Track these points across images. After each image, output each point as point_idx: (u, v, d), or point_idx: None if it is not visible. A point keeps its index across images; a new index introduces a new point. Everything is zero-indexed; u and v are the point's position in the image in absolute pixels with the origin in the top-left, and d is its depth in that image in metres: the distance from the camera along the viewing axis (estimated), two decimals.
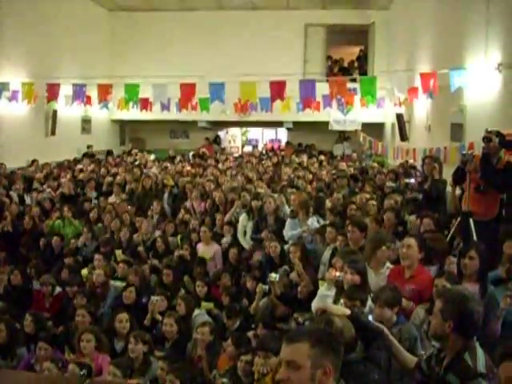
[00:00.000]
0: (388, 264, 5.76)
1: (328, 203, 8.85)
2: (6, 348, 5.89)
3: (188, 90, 9.27)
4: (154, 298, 6.74)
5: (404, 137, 14.64)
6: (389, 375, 3.59)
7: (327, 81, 9.32)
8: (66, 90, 10.47)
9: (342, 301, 4.58)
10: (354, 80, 12.88)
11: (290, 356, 2.46)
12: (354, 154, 18.03)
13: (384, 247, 5.74)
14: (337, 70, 19.99)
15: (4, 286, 7.88)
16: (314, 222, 8.34)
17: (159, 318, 6.61)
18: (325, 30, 19.22)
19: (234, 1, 18.46)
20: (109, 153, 18.63)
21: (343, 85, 9.03)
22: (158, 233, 9.41)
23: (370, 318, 3.73)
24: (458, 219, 6.81)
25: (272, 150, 21.56)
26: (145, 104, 11.65)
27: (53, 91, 9.65)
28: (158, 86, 9.60)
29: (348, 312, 3.56)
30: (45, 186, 11.54)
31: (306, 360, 2.42)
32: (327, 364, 2.43)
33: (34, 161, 14.09)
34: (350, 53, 21.04)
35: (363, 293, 4.71)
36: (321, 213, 8.44)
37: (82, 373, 4.71)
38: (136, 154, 16.73)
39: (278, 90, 8.64)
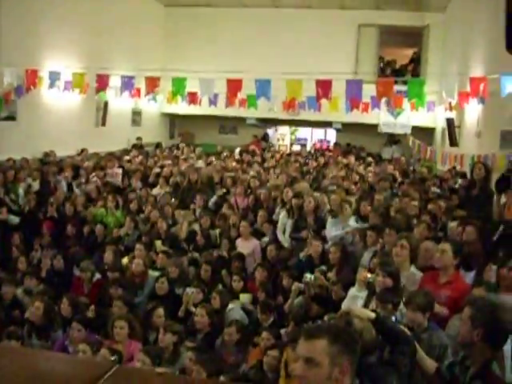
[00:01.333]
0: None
1: (367, 206, 8.77)
2: (42, 329, 6.04)
3: (235, 86, 9.31)
4: (188, 289, 6.81)
5: (453, 142, 14.36)
6: (410, 382, 3.54)
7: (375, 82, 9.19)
8: (116, 81, 10.65)
9: (373, 303, 4.55)
10: (405, 82, 12.71)
11: (308, 353, 2.45)
12: (403, 158, 17.81)
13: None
14: (389, 72, 19.75)
15: (47, 269, 8.10)
16: (354, 222, 8.31)
17: (193, 309, 6.67)
18: (378, 31, 19.01)
19: None
20: (157, 145, 18.89)
21: (390, 86, 8.91)
22: (197, 226, 9.48)
23: (393, 319, 3.67)
24: (501, 227, 6.67)
25: (320, 149, 21.46)
26: (193, 98, 11.74)
27: (102, 82, 9.82)
28: (204, 80, 9.66)
29: (372, 316, 3.52)
30: (93, 175, 11.75)
31: (324, 357, 2.41)
32: (344, 362, 2.42)
33: (83, 150, 14.39)
34: (404, 55, 20.76)
35: (395, 296, 4.65)
36: (360, 214, 8.38)
37: (113, 358, 4.78)
38: (183, 148, 16.90)
39: (324, 89, 8.59)
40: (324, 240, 8.15)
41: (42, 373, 4.32)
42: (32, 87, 11.12)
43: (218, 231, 9.27)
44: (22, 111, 12.45)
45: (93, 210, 9.98)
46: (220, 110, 13.66)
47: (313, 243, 7.84)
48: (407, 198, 9.08)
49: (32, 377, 4.20)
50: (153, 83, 9.62)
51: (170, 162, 13.72)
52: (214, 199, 10.71)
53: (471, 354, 3.42)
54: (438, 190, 10.21)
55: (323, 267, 7.36)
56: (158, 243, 8.91)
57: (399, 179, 11.90)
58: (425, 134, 18.11)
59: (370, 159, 16.60)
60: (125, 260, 8.35)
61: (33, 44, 12.54)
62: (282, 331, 6.09)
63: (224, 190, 11.08)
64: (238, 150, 17.38)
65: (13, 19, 11.74)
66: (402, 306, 4.65)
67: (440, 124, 17.14)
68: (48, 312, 6.11)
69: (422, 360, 3.62)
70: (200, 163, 13.75)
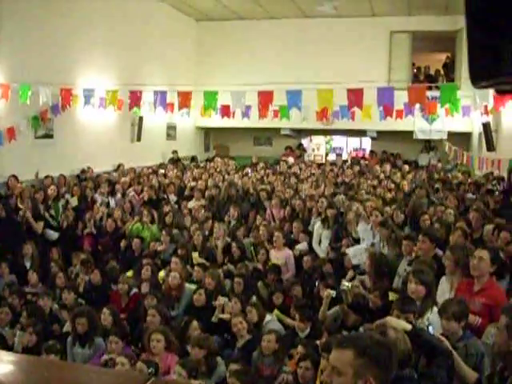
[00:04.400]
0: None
1: (399, 214, 8.71)
2: (84, 337, 6.14)
3: (266, 98, 9.34)
4: (221, 298, 6.84)
5: (491, 147, 14.16)
6: None
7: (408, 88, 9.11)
8: (149, 96, 10.80)
9: None
10: (438, 88, 12.58)
11: (334, 361, 2.47)
12: (439, 164, 17.60)
13: None
14: (422, 78, 19.58)
15: (84, 284, 8.22)
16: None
17: (228, 317, 6.70)
18: (410, 37, 18.87)
19: (318, 9, 18.38)
20: (193, 159, 19.04)
21: (423, 93, 8.83)
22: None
23: (431, 329, 3.62)
24: None
25: (355, 158, 21.34)
26: (225, 111, 11.80)
27: (135, 98, 9.96)
28: (236, 93, 9.72)
29: (408, 327, 3.48)
30: (129, 190, 11.89)
31: (348, 368, 2.40)
32: (369, 377, 2.39)
33: (119, 165, 14.59)
34: (437, 60, 20.57)
35: (415, 305, 4.61)
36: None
37: (149, 371, 4.82)
38: (217, 161, 17.01)
39: (355, 97, 8.56)
40: None
41: None
42: (67, 105, 11.32)
43: (252, 243, 9.31)
44: (58, 129, 12.69)
45: (129, 225, 10.10)
46: (253, 121, 13.67)
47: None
48: (443, 206, 9.01)
49: None
50: (185, 98, 9.71)
51: (204, 175, 13.85)
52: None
53: (509, 363, 3.35)
54: (474, 196, 10.07)
55: (363, 277, 7.31)
56: (195, 255, 8.97)
57: (435, 186, 11.77)
58: (461, 139, 17.87)
59: (406, 167, 16.46)
60: (161, 273, 8.42)
61: (67, 62, 12.78)
62: (318, 342, 6.05)
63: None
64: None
65: (46, 39, 12.00)
66: (431, 314, 4.59)
67: (476, 129, 16.90)
68: (90, 321, 6.20)
69: (461, 370, 3.56)
70: (234, 175, 13.81)
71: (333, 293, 6.60)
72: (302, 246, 9.16)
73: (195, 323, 6.33)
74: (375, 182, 12.66)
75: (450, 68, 19.52)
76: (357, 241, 8.55)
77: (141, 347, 6.15)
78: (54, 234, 9.81)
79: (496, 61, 1.43)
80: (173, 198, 12.08)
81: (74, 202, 10.82)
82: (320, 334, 6.34)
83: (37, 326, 6.22)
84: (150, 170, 14.74)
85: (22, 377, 4.47)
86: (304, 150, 21.94)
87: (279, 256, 8.66)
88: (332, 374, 2.45)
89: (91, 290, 8.03)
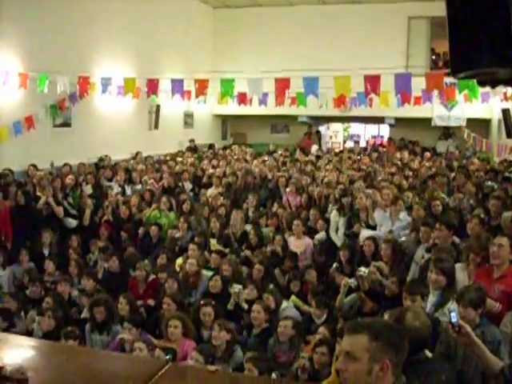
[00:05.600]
0: None
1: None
2: (102, 324, 6.20)
3: (283, 85, 9.30)
4: (236, 285, 6.87)
5: (510, 133, 14.02)
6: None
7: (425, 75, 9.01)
8: (166, 84, 10.81)
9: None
10: None
11: (348, 347, 2.46)
12: (456, 152, 17.45)
13: None
14: (442, 64, 19.38)
15: (103, 271, 8.29)
16: (406, 216, 8.24)
17: (245, 306, 6.73)
18: (429, 23, 18.66)
19: None
20: (210, 146, 19.07)
21: (440, 79, 8.73)
22: (250, 225, 9.52)
23: (454, 315, 3.58)
24: None
25: (373, 145, 21.24)
26: (242, 98, 11.78)
27: (152, 86, 9.96)
28: (253, 80, 9.70)
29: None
30: (146, 178, 11.94)
31: (363, 353, 2.40)
32: (385, 360, 2.39)
33: (137, 153, 14.65)
34: None
35: (424, 287, 4.60)
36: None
37: (167, 357, 4.85)
38: (235, 148, 17.03)
39: (372, 84, 8.50)
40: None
41: (99, 370, 4.45)
42: (85, 94, 11.38)
43: (270, 230, 9.31)
44: (76, 117, 12.78)
45: (147, 212, 10.15)
46: (270, 109, 13.66)
47: (366, 240, 7.81)
48: (460, 194, 8.96)
49: (89, 374, 4.32)
50: (202, 85, 9.70)
51: (222, 162, 13.89)
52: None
53: None
54: (493, 184, 9.99)
55: (379, 263, 7.27)
56: (213, 242, 9.00)
57: (453, 174, 11.69)
58: (480, 125, 17.70)
59: (427, 154, 16.32)
60: (179, 260, 8.47)
61: (84, 51, 12.87)
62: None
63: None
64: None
65: (63, 27, 12.06)
66: (450, 303, 4.58)
67: (496, 115, 16.73)
68: (108, 309, 6.26)
69: (485, 357, 3.54)
70: (252, 162, 13.82)
71: (350, 282, 6.59)
72: (320, 235, 9.16)
73: (207, 309, 6.33)
74: (393, 169, 12.60)
75: None
76: (373, 228, 8.53)
77: (158, 333, 6.19)
78: (72, 222, 9.88)
79: (475, 52, 1.44)
80: (188, 185, 12.12)
81: (88, 190, 10.90)
82: (336, 321, 6.35)
83: (56, 312, 6.29)
84: (168, 158, 14.80)
85: (41, 361, 4.53)
86: (319, 139, 21.83)
87: (299, 244, 8.66)
88: (346, 361, 2.44)
89: (109, 277, 8.09)
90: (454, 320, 3.52)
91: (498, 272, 5.08)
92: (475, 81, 2.31)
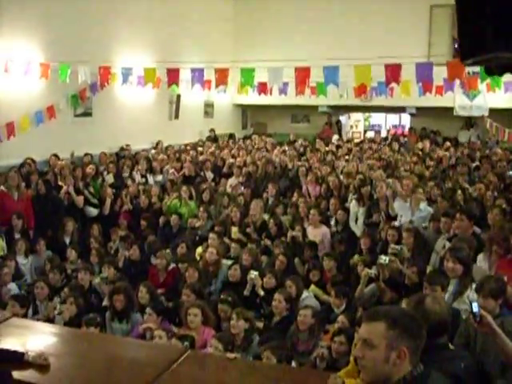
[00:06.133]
0: None
1: (436, 191, 8.62)
2: (122, 312, 6.26)
3: (303, 74, 9.26)
4: (252, 271, 6.89)
5: None
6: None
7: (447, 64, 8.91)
8: (187, 74, 10.82)
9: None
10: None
11: (366, 334, 2.47)
12: (478, 142, 17.26)
13: None
14: None
15: (123, 260, 8.35)
16: (426, 207, 8.20)
17: (261, 292, 6.77)
18: (451, 11, 18.40)
19: None
20: (231, 136, 19.09)
21: (462, 68, 8.62)
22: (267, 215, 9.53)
23: (475, 305, 3.57)
24: None
25: (394, 135, 21.11)
26: (263, 88, 11.77)
27: (172, 76, 9.96)
28: (273, 69, 9.68)
29: None
30: (167, 167, 12.00)
31: (381, 340, 2.41)
32: (403, 347, 2.40)
33: (158, 143, 14.72)
34: None
35: (445, 278, 4.58)
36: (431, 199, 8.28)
37: (184, 344, 4.89)
38: (255, 138, 17.03)
39: (393, 73, 8.43)
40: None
41: (120, 357, 4.52)
42: (106, 84, 11.43)
43: (287, 219, 9.32)
44: (97, 107, 12.85)
45: (167, 201, 10.21)
46: (291, 98, 13.62)
47: (385, 228, 7.79)
48: (481, 184, 8.89)
49: (110, 361, 4.38)
50: (222, 75, 9.69)
51: (242, 152, 13.91)
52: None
53: None
54: None
55: (398, 247, 7.19)
56: (235, 230, 9.03)
57: (474, 164, 11.61)
58: (503, 115, 17.46)
59: (448, 143, 16.20)
60: (199, 249, 8.51)
61: (105, 41, 12.93)
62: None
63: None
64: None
65: (84, 18, 12.10)
66: (469, 292, 4.56)
67: None
68: (128, 297, 6.30)
69: (506, 346, 3.52)
70: (273, 152, 13.82)
71: (371, 272, 6.58)
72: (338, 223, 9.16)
73: (224, 307, 6.34)
74: (414, 159, 12.52)
75: None
76: (393, 218, 8.49)
77: (178, 322, 6.24)
78: (93, 211, 9.97)
79: (480, 38, 1.44)
80: (210, 175, 12.16)
81: (110, 179, 10.98)
82: (355, 310, 6.35)
83: (78, 299, 6.35)
84: (189, 147, 14.85)
85: (63, 348, 4.60)
86: (340, 129, 21.72)
87: (316, 233, 8.66)
88: (363, 348, 2.45)
89: (130, 265, 8.16)
90: (475, 310, 3.50)
91: None
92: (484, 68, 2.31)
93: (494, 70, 2.14)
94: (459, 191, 8.60)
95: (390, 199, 8.58)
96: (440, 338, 3.36)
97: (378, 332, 2.42)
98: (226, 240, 8.76)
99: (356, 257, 7.65)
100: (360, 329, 2.55)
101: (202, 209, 9.64)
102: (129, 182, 10.93)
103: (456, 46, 19.04)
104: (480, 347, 4.02)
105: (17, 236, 8.53)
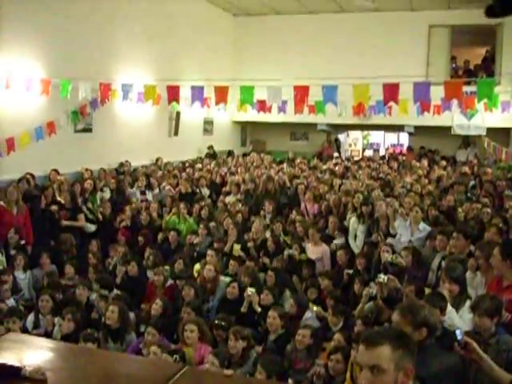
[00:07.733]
0: None
1: (433, 210, 8.68)
2: (116, 332, 6.24)
3: (302, 93, 9.32)
4: (249, 288, 6.90)
5: None
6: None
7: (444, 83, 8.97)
8: (186, 91, 10.89)
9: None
10: (476, 82, 12.43)
11: (372, 360, 2.44)
12: (475, 160, 17.33)
13: None
14: (462, 73, 19.29)
15: (121, 276, 8.35)
16: (426, 226, 8.22)
17: (258, 309, 6.78)
18: (449, 31, 18.58)
19: (356, 3, 18.26)
20: (229, 153, 19.13)
21: (459, 88, 8.70)
22: (268, 233, 9.54)
23: (458, 332, 3.63)
24: None
25: (392, 154, 21.18)
26: (262, 106, 11.83)
27: (173, 93, 10.02)
28: (272, 87, 9.74)
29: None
30: (164, 184, 12.05)
31: (389, 363, 2.41)
32: (408, 365, 2.43)
33: (157, 159, 14.77)
34: (477, 54, 20.19)
35: (444, 302, 4.59)
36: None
37: (174, 358, 4.90)
38: (254, 156, 17.07)
39: (391, 92, 8.49)
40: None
41: (116, 373, 4.50)
42: (106, 100, 11.50)
43: (284, 238, 9.35)
44: (97, 123, 12.89)
45: (166, 218, 10.22)
46: (290, 116, 13.72)
47: (382, 247, 7.80)
48: (479, 204, 8.93)
49: (107, 377, 4.37)
50: (222, 92, 9.75)
51: (240, 169, 13.95)
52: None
53: None
54: None
55: (384, 276, 7.21)
56: (237, 247, 9.04)
57: (472, 183, 11.66)
58: (501, 134, 17.56)
59: (443, 162, 16.29)
60: (197, 266, 8.52)
61: (106, 58, 13.00)
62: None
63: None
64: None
65: (85, 34, 12.19)
66: (464, 311, 4.58)
67: None
68: (123, 316, 6.29)
69: (494, 373, 3.54)
70: (271, 170, 13.85)
71: (372, 291, 6.59)
72: (339, 240, 9.18)
73: (219, 332, 6.26)
74: (414, 177, 12.57)
75: (489, 62, 19.14)
76: (393, 237, 8.52)
77: (176, 338, 6.24)
78: (91, 227, 9.99)
79: None
80: (205, 191, 12.19)
81: (106, 194, 11.03)
82: (352, 328, 6.35)
83: (75, 315, 6.35)
84: (187, 164, 14.91)
85: (60, 363, 4.58)
86: (339, 146, 21.79)
87: (316, 251, 8.68)
88: (371, 376, 2.42)
89: (128, 282, 8.16)
90: (459, 337, 3.57)
91: (507, 281, 5.07)
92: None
93: (495, 12, 2.16)
94: (459, 209, 8.64)
95: (391, 218, 8.61)
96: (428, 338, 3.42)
97: (385, 356, 2.43)
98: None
99: (345, 272, 7.71)
100: (361, 356, 2.52)
101: (202, 226, 9.65)
102: (133, 198, 10.97)
103: (454, 65, 19.22)
104: (474, 370, 4.00)
105: (12, 251, 8.49)
